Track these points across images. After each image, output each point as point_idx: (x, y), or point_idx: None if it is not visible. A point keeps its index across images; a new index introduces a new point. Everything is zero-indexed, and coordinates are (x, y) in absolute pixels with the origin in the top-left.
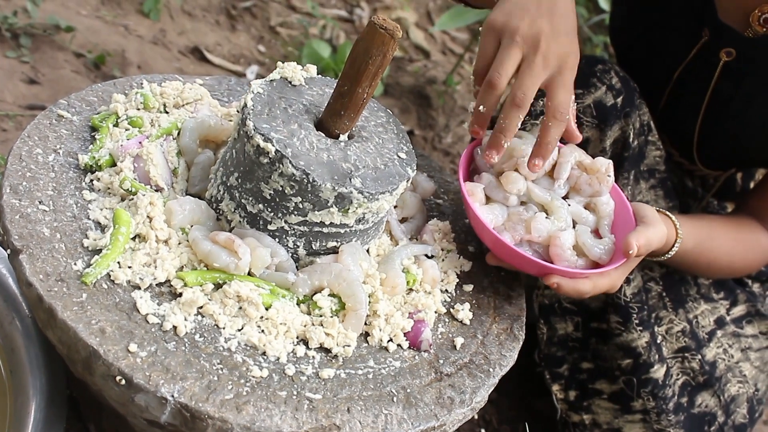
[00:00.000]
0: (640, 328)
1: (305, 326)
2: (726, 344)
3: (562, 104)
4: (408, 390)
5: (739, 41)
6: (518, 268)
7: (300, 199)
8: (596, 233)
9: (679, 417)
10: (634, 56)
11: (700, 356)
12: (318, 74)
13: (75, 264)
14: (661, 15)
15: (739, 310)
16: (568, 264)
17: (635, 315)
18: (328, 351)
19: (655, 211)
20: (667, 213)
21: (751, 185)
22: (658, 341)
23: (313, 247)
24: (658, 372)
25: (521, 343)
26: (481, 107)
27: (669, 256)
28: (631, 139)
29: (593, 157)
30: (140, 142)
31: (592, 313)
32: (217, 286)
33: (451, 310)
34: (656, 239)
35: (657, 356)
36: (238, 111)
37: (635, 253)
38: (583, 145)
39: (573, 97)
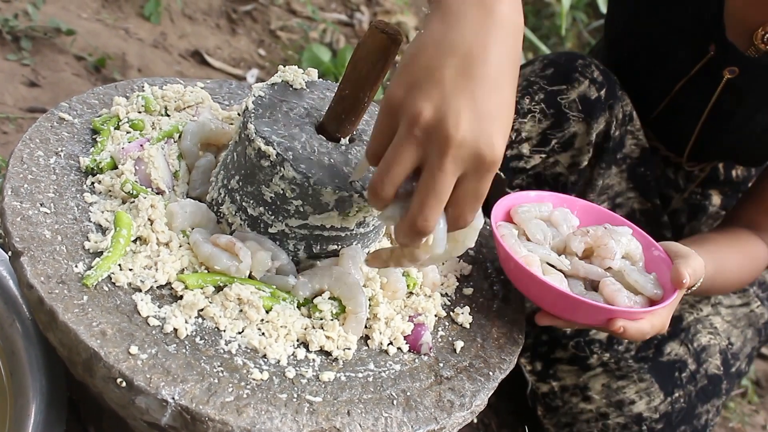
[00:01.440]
0: None
1: (305, 329)
2: (692, 301)
3: (463, 217)
4: (408, 393)
5: (743, 60)
6: (575, 321)
7: (301, 203)
8: None
9: (642, 365)
10: (634, 66)
11: None
12: (318, 78)
13: (76, 266)
14: (666, 28)
15: None
16: (626, 304)
17: None
18: (328, 354)
19: (684, 246)
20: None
21: (733, 173)
22: None
23: (314, 250)
24: (599, 335)
25: (521, 347)
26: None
27: (695, 288)
28: (612, 131)
29: (580, 150)
30: (141, 145)
31: None
32: (218, 289)
33: (451, 313)
34: (699, 269)
35: None
36: (239, 114)
37: (687, 283)
38: (571, 139)
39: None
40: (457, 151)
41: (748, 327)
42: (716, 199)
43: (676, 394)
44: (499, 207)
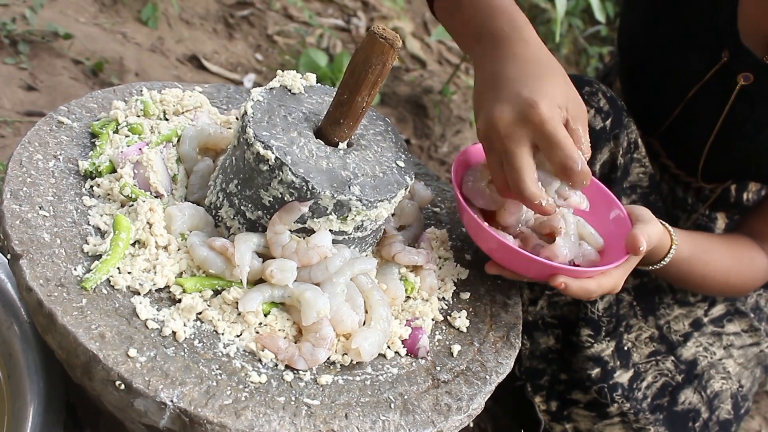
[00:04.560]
0: (608, 338)
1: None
2: (706, 343)
3: (569, 159)
4: (405, 396)
5: (758, 66)
6: (521, 273)
7: None
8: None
9: (658, 416)
10: (646, 71)
11: (673, 357)
12: (316, 83)
13: (75, 269)
14: (679, 32)
15: (718, 310)
16: (569, 255)
17: (604, 327)
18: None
19: (648, 211)
20: (661, 221)
21: (744, 196)
22: (626, 348)
23: None
24: (622, 377)
25: (518, 350)
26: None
27: (665, 263)
28: (619, 161)
29: None
30: (140, 149)
31: (569, 325)
32: (216, 293)
33: (448, 317)
34: (655, 236)
35: (619, 362)
36: (237, 119)
37: (644, 250)
38: None
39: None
40: (507, 131)
41: (756, 366)
42: (721, 223)
43: None
44: (466, 155)
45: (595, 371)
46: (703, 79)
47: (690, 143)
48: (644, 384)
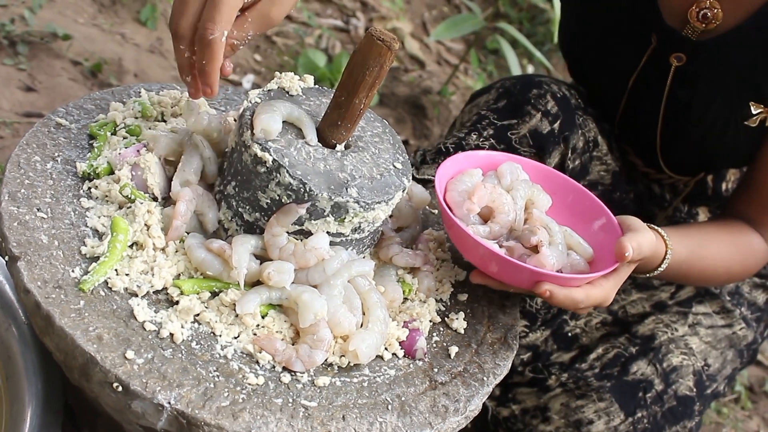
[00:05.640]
0: (543, 327)
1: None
2: (668, 320)
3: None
4: (402, 398)
5: (688, 45)
6: (506, 282)
7: None
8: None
9: (604, 383)
10: (586, 68)
11: (627, 334)
12: (314, 84)
13: (73, 271)
14: (608, 24)
15: (686, 292)
16: (557, 264)
17: (540, 318)
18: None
19: (640, 221)
20: (653, 226)
21: (723, 186)
22: (570, 334)
23: None
24: (561, 357)
25: (515, 352)
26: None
27: (662, 269)
28: (567, 164)
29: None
30: (138, 151)
31: None
32: (214, 294)
33: (446, 319)
34: (647, 244)
35: (556, 346)
36: (235, 120)
37: (630, 257)
38: None
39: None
40: None
41: (728, 348)
42: (703, 217)
43: (639, 414)
44: (449, 166)
45: (527, 356)
46: (637, 68)
47: (642, 134)
48: (592, 356)
